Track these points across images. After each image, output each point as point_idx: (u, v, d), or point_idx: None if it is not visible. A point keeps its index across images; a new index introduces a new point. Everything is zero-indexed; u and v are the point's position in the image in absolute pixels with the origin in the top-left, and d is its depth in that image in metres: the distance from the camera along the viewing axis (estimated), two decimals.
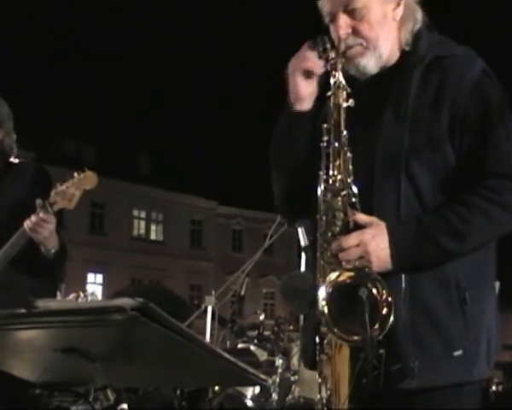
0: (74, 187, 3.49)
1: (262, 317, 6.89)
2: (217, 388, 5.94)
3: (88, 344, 1.92)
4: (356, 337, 2.13)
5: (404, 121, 2.32)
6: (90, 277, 40.62)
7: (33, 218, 3.45)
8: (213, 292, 6.42)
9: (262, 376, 1.97)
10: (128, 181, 37.60)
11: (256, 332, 6.68)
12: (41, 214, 3.43)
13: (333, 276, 2.19)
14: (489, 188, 2.24)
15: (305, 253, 5.61)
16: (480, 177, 2.26)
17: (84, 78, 49.08)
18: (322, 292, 2.17)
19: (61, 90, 46.21)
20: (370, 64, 2.40)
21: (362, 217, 2.25)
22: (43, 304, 1.82)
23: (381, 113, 2.37)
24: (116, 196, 34.51)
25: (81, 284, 33.71)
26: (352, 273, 2.18)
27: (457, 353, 2.26)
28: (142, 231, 44.00)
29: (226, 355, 1.84)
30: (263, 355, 5.98)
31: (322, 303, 2.16)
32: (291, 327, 6.07)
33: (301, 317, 5.47)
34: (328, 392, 2.24)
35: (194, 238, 45.49)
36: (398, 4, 2.42)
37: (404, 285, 2.25)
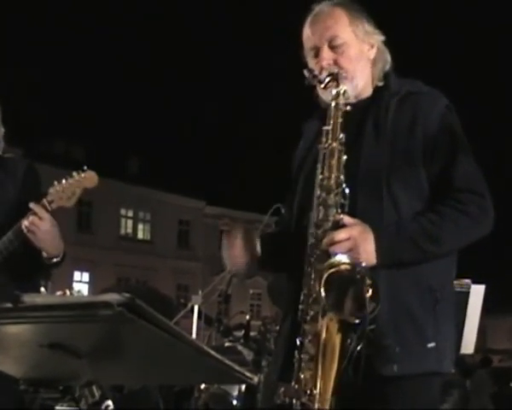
0: (74, 186, 3.45)
1: (248, 317, 6.88)
2: (202, 386, 5.95)
3: (74, 340, 1.91)
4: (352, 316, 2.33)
5: (384, 143, 2.63)
6: (77, 275, 40.52)
7: (29, 217, 3.37)
8: (200, 292, 6.42)
9: (248, 374, 1.97)
10: (116, 180, 37.48)
11: (242, 332, 6.67)
12: (37, 211, 3.36)
13: (327, 265, 2.38)
14: (457, 200, 2.59)
15: None
16: (450, 192, 2.60)
17: (74, 77, 49.01)
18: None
19: (52, 89, 46.16)
20: (329, 93, 2.67)
21: (348, 218, 2.51)
22: (29, 299, 1.81)
23: (361, 135, 2.68)
24: (103, 195, 34.34)
25: (67, 283, 33.58)
26: (346, 266, 2.37)
27: (431, 345, 2.55)
28: (130, 230, 43.94)
29: (213, 353, 1.84)
30: (249, 355, 5.98)
31: (320, 287, 2.35)
32: (277, 327, 6.06)
33: None
34: (308, 392, 2.38)
35: (181, 238, 45.45)
36: (372, 46, 2.82)
37: (384, 282, 2.47)
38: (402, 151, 2.62)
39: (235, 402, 5.96)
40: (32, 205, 3.37)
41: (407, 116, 2.66)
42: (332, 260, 2.38)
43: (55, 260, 3.50)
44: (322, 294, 2.34)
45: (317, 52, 2.77)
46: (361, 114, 2.70)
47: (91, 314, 1.67)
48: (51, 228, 3.41)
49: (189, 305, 6.36)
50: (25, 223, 3.36)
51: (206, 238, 45.15)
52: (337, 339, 2.37)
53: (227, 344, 6.63)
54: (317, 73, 2.70)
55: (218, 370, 1.92)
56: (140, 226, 44.38)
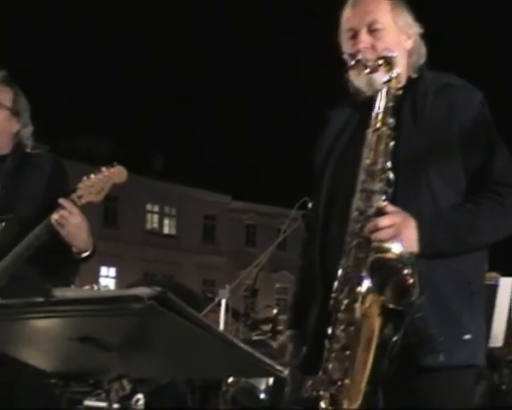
0: (103, 181, 3.46)
1: (275, 311, 6.88)
2: (230, 380, 5.95)
3: (104, 334, 1.92)
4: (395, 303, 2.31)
5: (422, 132, 2.60)
6: (104, 270, 40.74)
7: (59, 211, 3.38)
8: (227, 286, 6.42)
9: (278, 367, 1.96)
10: (142, 175, 37.61)
11: (270, 326, 6.68)
12: (66, 206, 3.38)
13: (373, 249, 2.37)
14: (495, 192, 2.57)
15: None
16: (487, 185, 2.59)
17: (100, 72, 49.23)
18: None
19: (77, 85, 46.38)
20: (380, 79, 2.65)
21: (391, 206, 2.47)
22: (60, 293, 1.82)
23: (398, 124, 2.60)
24: (130, 190, 34.48)
25: (94, 278, 33.83)
26: (392, 252, 2.34)
27: (467, 337, 2.52)
28: (156, 225, 44.11)
29: (244, 346, 1.84)
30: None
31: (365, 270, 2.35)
32: None
33: None
34: (339, 383, 2.35)
35: (207, 233, 45.54)
36: (410, 37, 2.79)
37: (422, 271, 2.38)
38: (439, 142, 2.59)
39: (262, 396, 5.96)
40: (61, 200, 3.39)
41: (443, 108, 2.63)
42: (378, 245, 2.35)
43: (84, 254, 3.52)
44: (368, 276, 2.33)
45: (354, 34, 2.76)
46: (397, 103, 2.64)
47: (122, 308, 1.68)
48: (80, 222, 3.43)
49: (217, 299, 6.35)
50: (54, 217, 3.38)
51: (232, 233, 45.23)
52: (375, 328, 2.34)
53: (255, 338, 6.64)
54: (361, 57, 2.68)
55: (248, 363, 1.92)
56: (166, 221, 44.55)
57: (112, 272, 41.54)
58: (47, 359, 2.31)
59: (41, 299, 1.85)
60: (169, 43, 54.24)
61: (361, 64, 2.68)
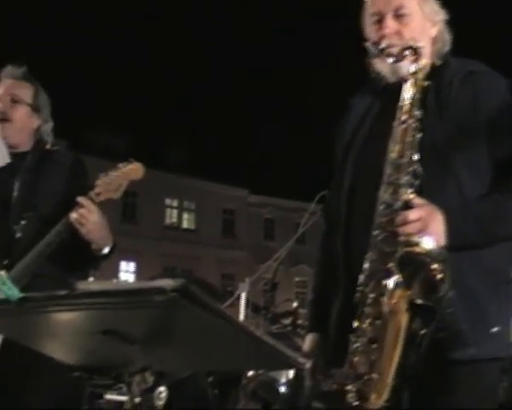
0: (121, 178, 3.47)
1: (295, 304, 6.86)
2: (250, 374, 5.95)
3: (127, 326, 1.92)
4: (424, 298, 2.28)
5: (448, 120, 2.55)
6: (123, 265, 40.88)
7: (78, 209, 3.40)
8: (247, 279, 6.42)
9: (300, 359, 1.96)
10: (160, 170, 37.67)
11: (290, 320, 6.67)
12: (85, 204, 3.40)
13: (401, 245, 2.34)
14: None
15: None
16: None
17: (116, 66, 49.32)
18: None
19: (93, 79, 46.45)
20: (405, 68, 2.62)
21: (418, 198, 2.43)
22: (83, 286, 1.83)
23: (423, 112, 2.56)
24: (148, 185, 34.55)
25: (114, 273, 33.96)
26: (421, 246, 2.31)
27: (494, 329, 2.49)
28: (175, 220, 44.21)
29: (267, 338, 1.84)
30: (297, 343, 5.97)
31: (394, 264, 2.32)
32: None
33: None
34: (366, 377, 2.33)
35: (225, 227, 45.60)
36: (435, 24, 2.75)
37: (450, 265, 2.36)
38: (465, 131, 2.55)
39: (282, 389, 5.95)
40: (79, 198, 3.40)
41: (469, 95, 2.59)
42: (406, 239, 2.33)
43: (104, 251, 3.53)
44: (397, 270, 2.30)
45: (379, 19, 2.72)
46: (423, 94, 2.60)
47: (145, 300, 1.68)
48: (99, 220, 3.45)
49: (236, 293, 6.36)
50: (73, 216, 3.40)
51: (251, 227, 45.27)
52: (402, 323, 2.32)
53: (275, 331, 6.62)
54: (385, 44, 2.64)
55: (270, 355, 1.92)
56: (185, 216, 44.66)
57: (131, 266, 41.67)
58: (70, 352, 2.32)
59: (64, 292, 1.86)
60: (169, 42, 54.24)
61: (386, 53, 2.64)
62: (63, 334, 2.19)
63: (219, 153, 46.27)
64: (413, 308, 2.31)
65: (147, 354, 2.00)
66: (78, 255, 3.55)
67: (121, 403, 5.16)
